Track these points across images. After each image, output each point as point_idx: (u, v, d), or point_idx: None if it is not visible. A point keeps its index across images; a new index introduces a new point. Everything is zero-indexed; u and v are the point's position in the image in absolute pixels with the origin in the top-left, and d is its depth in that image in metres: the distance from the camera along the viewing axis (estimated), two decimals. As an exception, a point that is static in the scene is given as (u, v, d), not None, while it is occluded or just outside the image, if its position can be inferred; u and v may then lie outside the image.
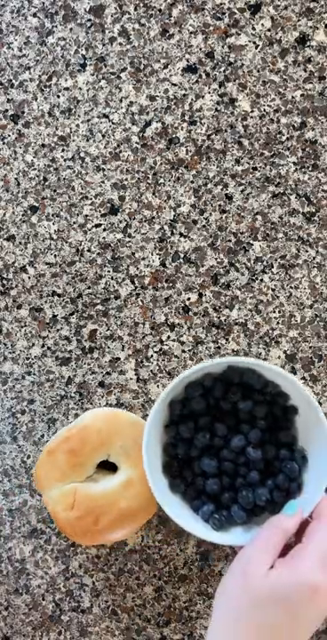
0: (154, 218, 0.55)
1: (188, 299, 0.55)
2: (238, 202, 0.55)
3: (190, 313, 0.55)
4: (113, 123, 0.55)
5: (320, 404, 0.54)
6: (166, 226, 0.55)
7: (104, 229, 0.55)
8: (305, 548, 0.41)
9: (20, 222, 0.56)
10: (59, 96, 0.55)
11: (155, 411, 0.47)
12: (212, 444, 0.49)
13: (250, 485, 0.48)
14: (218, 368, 0.49)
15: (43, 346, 0.56)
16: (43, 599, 0.56)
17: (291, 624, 0.40)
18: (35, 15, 0.55)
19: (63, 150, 0.55)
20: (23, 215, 0.56)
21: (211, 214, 0.55)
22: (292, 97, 0.54)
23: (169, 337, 0.55)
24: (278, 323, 0.55)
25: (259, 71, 0.54)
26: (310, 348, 0.54)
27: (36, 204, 0.56)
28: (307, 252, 0.54)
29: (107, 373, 0.55)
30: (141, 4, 0.55)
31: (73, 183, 0.55)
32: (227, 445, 0.49)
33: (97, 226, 0.55)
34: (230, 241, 0.55)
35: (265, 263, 0.55)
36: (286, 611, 0.40)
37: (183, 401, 0.50)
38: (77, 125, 0.55)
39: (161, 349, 0.55)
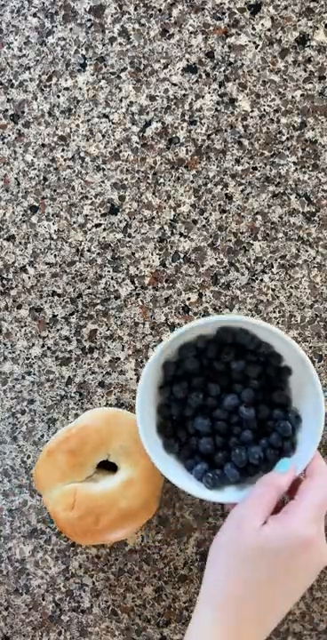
0: (154, 218, 0.55)
1: (188, 299, 0.55)
2: (238, 202, 0.55)
3: (190, 313, 0.55)
4: (113, 123, 0.55)
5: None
6: (166, 226, 0.55)
7: (104, 229, 0.55)
8: (298, 505, 0.42)
9: (20, 222, 0.56)
10: (59, 96, 0.55)
11: (146, 373, 0.48)
12: (206, 404, 0.49)
13: (243, 444, 0.49)
14: (210, 329, 0.49)
15: (43, 346, 0.56)
16: (43, 599, 0.56)
17: (285, 578, 0.40)
18: (35, 15, 0.55)
19: (63, 150, 0.55)
20: (23, 215, 0.56)
21: (211, 214, 0.55)
22: (292, 97, 0.54)
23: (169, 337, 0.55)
24: (278, 323, 0.55)
25: (259, 71, 0.54)
26: (310, 347, 0.54)
27: (36, 204, 0.56)
28: (307, 251, 0.54)
29: (107, 373, 0.55)
30: (141, 4, 0.55)
31: (73, 183, 0.55)
32: (221, 405, 0.49)
33: (97, 226, 0.55)
34: (230, 241, 0.55)
35: (265, 263, 0.55)
36: (279, 564, 0.40)
37: (177, 362, 0.50)
38: (77, 125, 0.55)
39: (161, 349, 0.55)
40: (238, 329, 0.49)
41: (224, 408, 0.49)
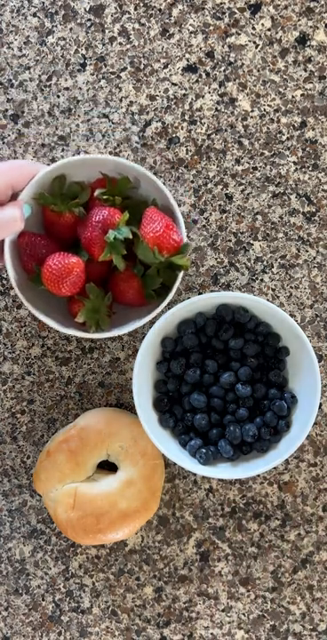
0: (154, 218, 0.55)
1: (188, 298, 0.55)
2: (238, 202, 0.55)
3: (190, 313, 0.55)
4: (113, 122, 0.55)
5: (320, 404, 0.54)
6: (166, 226, 0.55)
7: (104, 229, 0.55)
8: None
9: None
10: (59, 96, 0.55)
11: (144, 348, 0.48)
12: (202, 381, 0.50)
13: (238, 422, 0.49)
14: (209, 307, 0.50)
15: (43, 346, 0.55)
16: (43, 599, 0.56)
17: None
18: (35, 15, 0.55)
19: (63, 150, 0.55)
20: (23, 215, 0.56)
21: (211, 214, 0.55)
22: (292, 97, 0.54)
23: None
24: (278, 323, 0.54)
25: (259, 71, 0.54)
26: (310, 347, 0.54)
27: (36, 204, 0.56)
28: (307, 251, 0.54)
29: (107, 373, 0.55)
30: (141, 4, 0.55)
31: (73, 183, 0.55)
32: (217, 382, 0.50)
33: (97, 226, 0.55)
34: (230, 241, 0.55)
35: (265, 263, 0.55)
36: None
37: (176, 339, 0.51)
38: (77, 125, 0.55)
39: (161, 349, 0.55)
40: (237, 307, 0.50)
41: (220, 385, 0.49)
